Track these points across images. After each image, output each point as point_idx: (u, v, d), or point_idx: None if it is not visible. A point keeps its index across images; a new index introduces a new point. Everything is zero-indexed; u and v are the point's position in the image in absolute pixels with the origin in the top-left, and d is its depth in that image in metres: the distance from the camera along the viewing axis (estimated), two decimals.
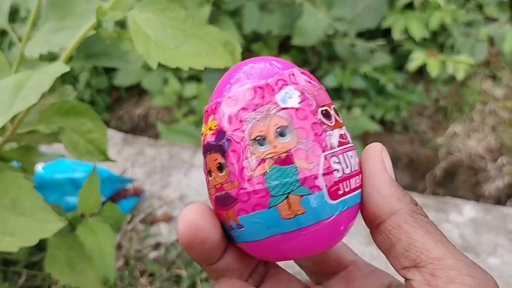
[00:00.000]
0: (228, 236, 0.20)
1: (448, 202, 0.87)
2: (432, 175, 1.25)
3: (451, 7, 1.33)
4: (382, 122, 1.32)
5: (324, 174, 0.19)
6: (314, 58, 1.36)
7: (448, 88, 1.40)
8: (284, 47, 1.36)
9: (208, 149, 0.20)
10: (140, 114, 1.47)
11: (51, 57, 0.42)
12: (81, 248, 0.46)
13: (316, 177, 0.18)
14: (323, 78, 1.29)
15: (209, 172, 0.20)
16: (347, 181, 0.19)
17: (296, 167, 0.18)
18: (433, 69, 1.22)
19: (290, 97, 0.19)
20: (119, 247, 0.77)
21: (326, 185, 0.19)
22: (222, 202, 0.19)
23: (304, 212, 0.18)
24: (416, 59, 1.25)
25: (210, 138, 0.20)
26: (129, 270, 0.72)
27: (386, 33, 1.38)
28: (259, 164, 0.18)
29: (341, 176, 0.19)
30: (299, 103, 0.19)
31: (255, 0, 1.25)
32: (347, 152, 0.20)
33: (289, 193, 0.18)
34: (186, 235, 0.19)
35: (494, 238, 0.78)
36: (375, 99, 1.31)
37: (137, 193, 0.87)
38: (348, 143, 0.20)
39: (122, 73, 1.39)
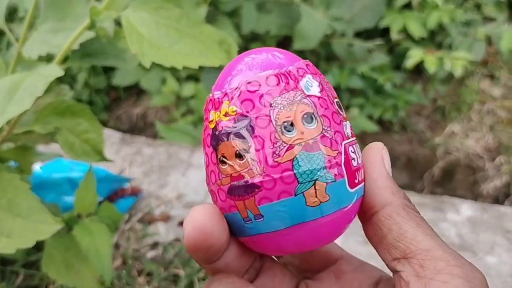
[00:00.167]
0: (236, 230, 0.20)
1: (445, 201, 0.88)
2: (430, 175, 1.25)
3: (449, 7, 1.33)
4: (380, 121, 1.32)
5: (345, 162, 0.19)
6: (312, 58, 1.36)
7: (446, 88, 1.40)
8: (282, 47, 1.36)
9: (223, 135, 0.19)
10: (138, 114, 1.46)
11: (49, 58, 0.42)
12: (77, 249, 0.46)
13: (339, 164, 0.19)
14: None
15: (221, 161, 0.19)
16: (360, 171, 0.20)
17: (323, 154, 0.18)
18: (431, 66, 1.22)
19: (311, 86, 0.19)
20: (116, 246, 0.77)
21: (346, 173, 0.19)
22: (239, 191, 0.18)
23: (328, 200, 0.18)
24: (414, 56, 1.25)
25: (226, 124, 0.19)
26: (127, 270, 0.72)
27: (384, 32, 1.38)
28: (287, 150, 0.18)
29: (356, 166, 0.19)
30: (319, 92, 0.19)
31: (253, 0, 1.25)
32: (356, 144, 0.20)
33: (316, 179, 0.18)
34: (193, 239, 0.18)
35: (492, 237, 0.78)
36: (373, 99, 1.31)
37: (135, 193, 0.87)
38: (354, 136, 0.21)
39: (120, 73, 1.39)
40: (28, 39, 0.40)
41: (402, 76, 1.37)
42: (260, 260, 0.22)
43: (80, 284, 0.46)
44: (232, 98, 0.19)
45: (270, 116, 0.18)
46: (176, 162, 0.98)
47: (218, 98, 0.19)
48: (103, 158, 0.43)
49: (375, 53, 1.32)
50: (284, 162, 0.18)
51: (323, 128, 0.18)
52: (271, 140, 0.18)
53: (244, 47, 1.26)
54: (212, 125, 0.19)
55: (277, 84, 0.19)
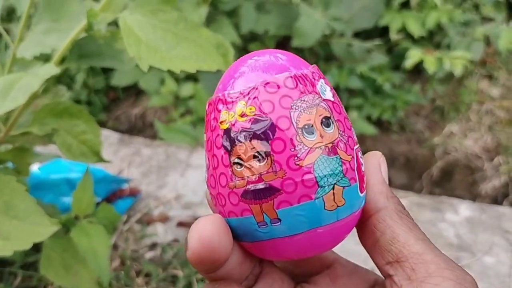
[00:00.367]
0: (244, 235, 0.19)
1: (444, 201, 0.88)
2: (429, 175, 1.25)
3: (448, 7, 1.33)
4: (379, 122, 1.32)
5: (357, 167, 0.19)
6: (311, 58, 1.36)
7: (444, 88, 1.40)
8: (281, 47, 1.36)
9: (240, 137, 0.18)
10: (137, 114, 1.46)
11: (46, 58, 0.42)
12: (75, 250, 0.46)
13: (353, 169, 0.19)
14: None
15: (236, 164, 0.18)
16: (365, 177, 0.20)
17: (340, 158, 0.18)
18: (430, 66, 1.22)
19: (325, 90, 0.19)
20: (115, 247, 0.76)
21: (358, 178, 0.19)
22: (255, 195, 0.18)
23: (343, 204, 0.18)
24: (413, 56, 1.25)
25: (243, 124, 0.18)
26: (125, 270, 0.72)
27: (383, 33, 1.38)
28: (308, 153, 0.18)
29: (363, 171, 0.20)
30: (332, 96, 0.19)
31: (252, 0, 1.25)
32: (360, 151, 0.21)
33: (335, 183, 0.18)
34: (198, 253, 0.18)
35: (490, 237, 0.78)
36: (372, 99, 1.31)
37: (133, 193, 0.87)
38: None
39: (119, 74, 1.39)
40: (23, 40, 0.40)
41: (400, 76, 1.37)
42: (260, 265, 0.22)
43: (78, 285, 0.46)
44: (249, 99, 0.18)
45: (290, 119, 0.18)
46: (175, 162, 0.98)
47: (231, 98, 0.18)
48: (101, 159, 0.43)
49: (374, 53, 1.32)
50: (306, 166, 0.17)
51: (339, 133, 0.18)
52: (292, 142, 0.18)
53: (243, 47, 1.26)
54: (224, 126, 0.18)
55: (296, 87, 0.18)
